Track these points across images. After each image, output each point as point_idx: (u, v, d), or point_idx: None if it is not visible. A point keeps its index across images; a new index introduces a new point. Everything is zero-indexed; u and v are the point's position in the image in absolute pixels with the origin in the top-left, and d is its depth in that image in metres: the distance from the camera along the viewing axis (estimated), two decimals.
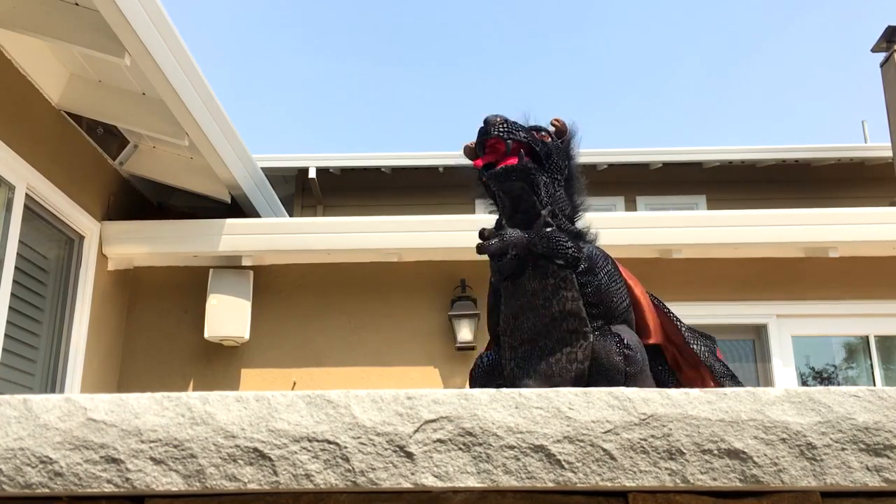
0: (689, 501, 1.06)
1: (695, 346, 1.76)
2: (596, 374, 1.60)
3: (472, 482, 1.02)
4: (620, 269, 1.78)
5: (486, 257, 1.90)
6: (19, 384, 3.97)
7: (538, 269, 1.65)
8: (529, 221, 1.68)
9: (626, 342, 1.62)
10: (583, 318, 1.65)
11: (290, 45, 23.10)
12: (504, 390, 1.08)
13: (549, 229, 1.65)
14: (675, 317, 1.81)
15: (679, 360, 1.78)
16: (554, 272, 1.65)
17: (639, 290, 1.79)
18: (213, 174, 4.64)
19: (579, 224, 1.78)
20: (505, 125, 1.66)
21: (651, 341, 1.75)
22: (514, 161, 1.64)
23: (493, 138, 1.65)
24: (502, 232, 1.63)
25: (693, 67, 20.52)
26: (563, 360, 1.63)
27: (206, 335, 4.66)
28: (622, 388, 1.07)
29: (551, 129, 1.76)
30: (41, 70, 4.03)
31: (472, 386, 1.75)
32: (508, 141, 1.64)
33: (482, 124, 1.66)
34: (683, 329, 1.78)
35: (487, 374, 1.74)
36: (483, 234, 1.69)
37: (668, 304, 1.85)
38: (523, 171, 1.64)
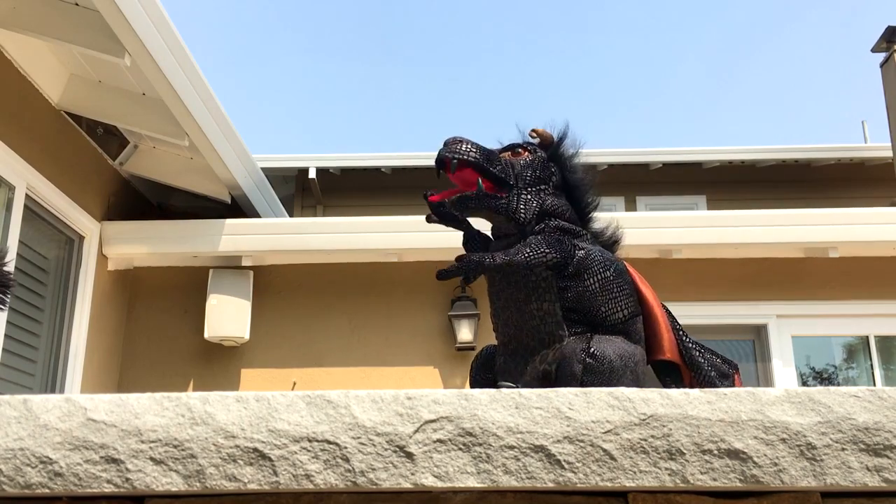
0: (689, 501, 1.06)
1: (702, 361, 1.74)
2: (557, 379, 1.58)
3: (472, 482, 1.02)
4: (636, 278, 1.76)
5: None
6: (19, 384, 3.97)
7: (517, 272, 1.66)
8: (519, 228, 1.71)
9: (591, 351, 1.57)
10: (558, 321, 1.64)
11: (290, 45, 23.10)
12: (504, 391, 1.08)
13: (531, 237, 1.66)
14: (684, 332, 1.78)
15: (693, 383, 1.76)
16: (535, 274, 1.65)
17: (655, 303, 1.75)
18: (213, 174, 4.64)
19: (597, 225, 1.79)
20: (460, 145, 1.74)
21: (664, 357, 1.72)
22: (467, 190, 1.73)
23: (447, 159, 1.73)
24: (463, 257, 1.63)
25: (693, 67, 20.53)
26: (536, 359, 1.64)
27: (206, 335, 4.66)
28: (622, 389, 1.07)
29: (533, 141, 1.79)
30: (41, 70, 4.03)
31: (470, 376, 1.79)
32: (454, 161, 1.71)
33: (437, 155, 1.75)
34: (689, 342, 1.76)
35: (482, 366, 1.77)
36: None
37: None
38: (478, 198, 1.72)
